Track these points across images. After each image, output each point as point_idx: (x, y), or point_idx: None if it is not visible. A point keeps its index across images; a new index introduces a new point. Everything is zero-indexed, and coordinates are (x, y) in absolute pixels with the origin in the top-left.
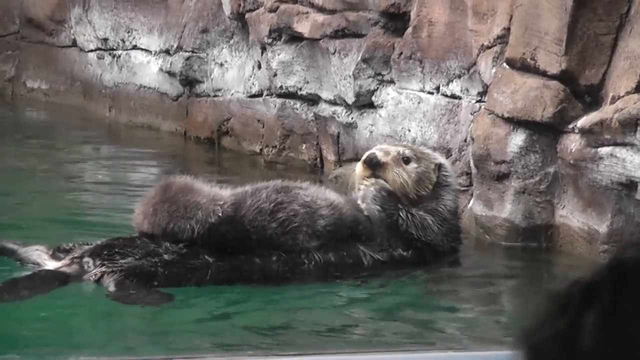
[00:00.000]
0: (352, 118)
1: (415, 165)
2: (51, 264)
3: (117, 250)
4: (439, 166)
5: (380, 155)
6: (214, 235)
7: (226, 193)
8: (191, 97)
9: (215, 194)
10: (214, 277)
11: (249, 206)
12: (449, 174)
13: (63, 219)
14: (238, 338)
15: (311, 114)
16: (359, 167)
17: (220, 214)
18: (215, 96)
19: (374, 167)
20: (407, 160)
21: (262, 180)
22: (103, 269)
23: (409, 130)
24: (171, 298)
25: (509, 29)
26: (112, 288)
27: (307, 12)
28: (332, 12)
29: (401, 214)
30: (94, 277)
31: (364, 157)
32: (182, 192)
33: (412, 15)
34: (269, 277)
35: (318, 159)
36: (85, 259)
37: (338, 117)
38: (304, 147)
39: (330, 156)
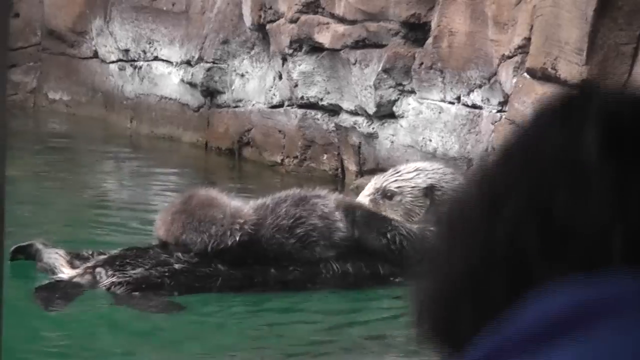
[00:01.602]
0: (373, 128)
1: (399, 198)
2: (66, 272)
3: (128, 260)
4: (431, 188)
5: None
6: (232, 253)
7: (248, 210)
8: (212, 108)
9: (236, 211)
10: (227, 286)
11: (268, 225)
12: (444, 190)
13: (85, 228)
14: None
15: (332, 124)
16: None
17: (238, 236)
18: (236, 107)
19: None
20: (391, 196)
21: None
22: (113, 279)
23: (430, 141)
24: (181, 307)
25: (529, 39)
26: (122, 297)
27: (327, 23)
28: (352, 22)
29: (391, 235)
30: (104, 286)
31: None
32: (201, 205)
33: (433, 25)
34: (285, 286)
35: (339, 170)
36: (98, 269)
37: (359, 127)
38: (325, 157)
39: (351, 166)
